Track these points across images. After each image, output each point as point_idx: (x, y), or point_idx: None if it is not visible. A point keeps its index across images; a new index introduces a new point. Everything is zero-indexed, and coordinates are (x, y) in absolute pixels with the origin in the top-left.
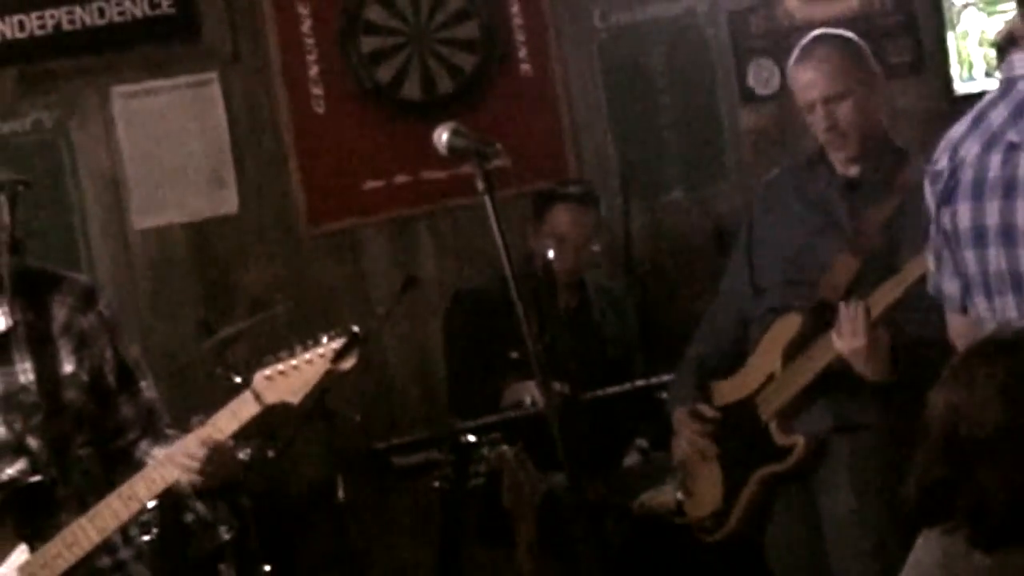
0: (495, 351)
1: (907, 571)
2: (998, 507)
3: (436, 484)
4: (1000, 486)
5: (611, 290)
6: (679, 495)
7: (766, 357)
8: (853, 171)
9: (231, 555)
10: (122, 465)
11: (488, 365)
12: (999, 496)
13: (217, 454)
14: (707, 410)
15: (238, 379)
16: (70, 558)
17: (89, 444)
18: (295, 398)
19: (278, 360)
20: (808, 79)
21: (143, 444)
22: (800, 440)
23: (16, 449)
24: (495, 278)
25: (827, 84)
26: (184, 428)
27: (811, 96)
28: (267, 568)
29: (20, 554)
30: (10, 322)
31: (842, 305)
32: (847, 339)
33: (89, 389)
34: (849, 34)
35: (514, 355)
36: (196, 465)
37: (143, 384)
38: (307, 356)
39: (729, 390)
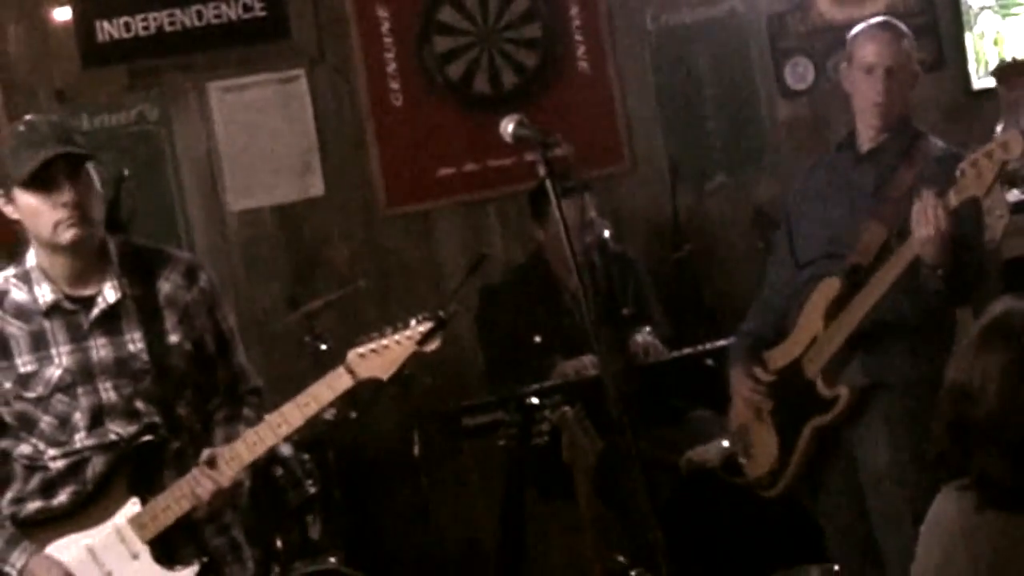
0: (521, 338)
1: (929, 520)
2: (999, 481)
3: (502, 442)
4: (998, 463)
5: (621, 254)
6: (742, 459)
7: (810, 321)
8: (876, 143)
9: (317, 507)
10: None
11: (519, 351)
12: (998, 472)
13: (312, 421)
14: (761, 373)
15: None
16: (177, 511)
17: (191, 406)
18: (384, 374)
19: (370, 339)
20: (878, 47)
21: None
22: (844, 390)
23: (126, 412)
24: (509, 274)
25: (894, 57)
26: (279, 392)
27: (878, 61)
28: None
29: (132, 507)
30: (119, 295)
31: (917, 200)
32: (924, 228)
33: (192, 357)
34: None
35: (537, 339)
36: (292, 430)
37: (237, 351)
38: (396, 337)
39: (779, 356)
